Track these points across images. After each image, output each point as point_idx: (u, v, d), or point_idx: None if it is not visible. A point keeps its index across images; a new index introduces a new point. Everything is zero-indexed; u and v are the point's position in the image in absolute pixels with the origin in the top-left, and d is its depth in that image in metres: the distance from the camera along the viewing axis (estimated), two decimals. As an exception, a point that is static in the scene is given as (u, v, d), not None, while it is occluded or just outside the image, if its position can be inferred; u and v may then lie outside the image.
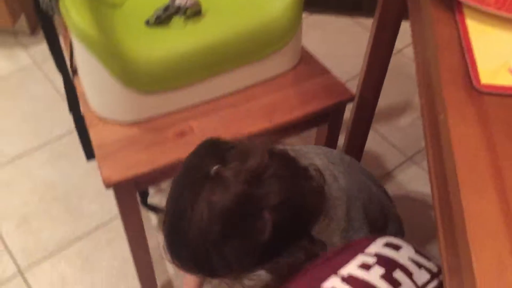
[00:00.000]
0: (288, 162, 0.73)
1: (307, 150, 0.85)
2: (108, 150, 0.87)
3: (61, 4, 0.82)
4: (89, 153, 1.31)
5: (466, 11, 0.63)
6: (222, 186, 0.67)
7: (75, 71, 1.00)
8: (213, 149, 0.74)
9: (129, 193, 0.88)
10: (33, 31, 1.79)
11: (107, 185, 0.83)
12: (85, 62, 0.87)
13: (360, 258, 0.72)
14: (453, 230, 0.48)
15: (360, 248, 0.76)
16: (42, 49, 1.75)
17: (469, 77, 0.56)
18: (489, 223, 0.43)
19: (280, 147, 0.76)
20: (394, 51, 1.09)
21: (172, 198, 0.74)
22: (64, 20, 0.84)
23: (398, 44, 1.78)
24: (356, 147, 1.27)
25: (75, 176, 1.43)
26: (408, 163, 1.49)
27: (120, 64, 0.84)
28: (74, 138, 1.48)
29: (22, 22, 1.73)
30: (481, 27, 0.62)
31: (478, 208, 0.44)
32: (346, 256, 0.74)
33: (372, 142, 1.52)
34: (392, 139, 1.54)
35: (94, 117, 0.92)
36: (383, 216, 0.88)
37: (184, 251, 0.72)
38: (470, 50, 0.59)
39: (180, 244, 0.73)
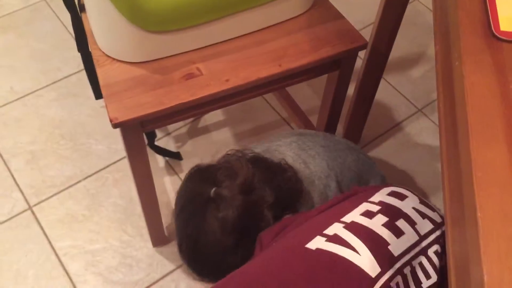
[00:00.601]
0: (266, 164, 0.86)
1: (279, 143, 0.94)
2: (115, 90, 0.86)
3: None
4: (98, 93, 1.30)
5: (490, -46, 0.60)
6: (224, 203, 0.79)
7: (82, 8, 0.98)
8: (204, 175, 0.86)
9: (136, 134, 0.88)
10: (41, -34, 1.74)
11: (114, 124, 0.82)
12: (92, -3, 0.85)
13: (364, 206, 0.73)
14: (459, 180, 0.47)
15: (364, 196, 0.76)
16: (50, -15, 1.71)
17: (488, 23, 0.54)
18: (497, 173, 0.42)
19: (252, 152, 0.89)
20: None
21: (182, 228, 0.86)
22: None
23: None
24: (366, 96, 1.26)
25: (82, 115, 1.43)
26: (418, 115, 1.47)
27: (128, 1, 0.82)
28: (83, 78, 1.47)
29: (30, -44, 1.68)
30: (505, -29, 0.59)
31: (487, 158, 0.43)
32: (350, 203, 0.75)
33: (383, 93, 1.50)
34: (403, 90, 1.52)
35: (101, 56, 0.91)
36: (357, 180, 0.96)
37: (205, 269, 0.86)
38: (491, -5, 0.56)
39: (202, 264, 0.86)
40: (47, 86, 1.49)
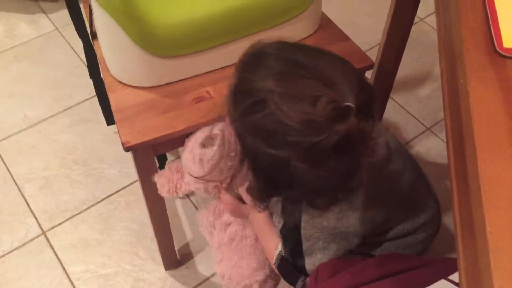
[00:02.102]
0: None
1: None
2: (127, 114, 0.88)
3: None
4: (109, 119, 1.33)
5: (491, -27, 0.61)
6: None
7: (94, 36, 1.01)
8: None
9: (148, 157, 0.90)
10: (54, -2, 1.79)
11: (126, 148, 0.84)
12: (104, 26, 0.87)
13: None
14: (468, 196, 0.48)
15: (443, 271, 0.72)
16: (63, 15, 1.75)
17: (492, 40, 0.54)
18: (505, 188, 0.42)
19: None
20: (416, 20, 1.06)
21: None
22: None
23: (420, 13, 1.74)
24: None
25: (95, 141, 1.45)
26: (427, 134, 1.47)
27: (139, 28, 0.84)
28: (95, 104, 1.50)
29: (44, -13, 1.74)
30: (506, -11, 0.60)
31: (495, 173, 0.44)
32: (425, 275, 0.72)
33: (391, 112, 1.51)
34: (411, 110, 1.53)
35: (113, 82, 0.93)
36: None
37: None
38: (493, 12, 0.57)
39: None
40: (60, 112, 1.52)
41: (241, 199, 0.87)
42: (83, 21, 1.07)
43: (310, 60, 0.61)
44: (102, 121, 1.36)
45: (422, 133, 1.48)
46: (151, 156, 0.90)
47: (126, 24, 0.83)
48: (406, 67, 1.61)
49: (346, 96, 0.57)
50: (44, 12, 1.78)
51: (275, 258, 0.85)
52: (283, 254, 0.84)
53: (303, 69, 0.60)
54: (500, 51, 0.53)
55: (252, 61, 0.65)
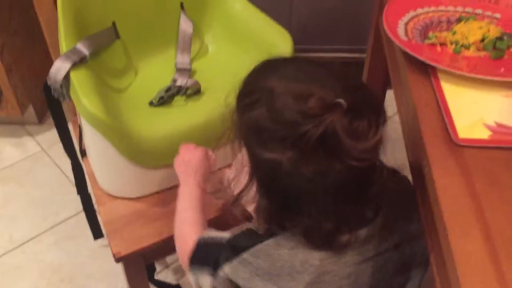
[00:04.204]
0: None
1: None
2: (117, 225, 0.91)
3: (71, 91, 0.89)
4: (97, 233, 1.34)
5: (440, 75, 0.70)
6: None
7: (84, 153, 1.06)
8: None
9: (138, 266, 0.91)
10: (40, 120, 1.87)
11: (117, 259, 0.85)
12: (94, 143, 0.93)
13: None
14: (446, 274, 0.51)
15: None
16: (49, 136, 1.82)
17: (448, 132, 0.61)
18: (476, 261, 0.46)
19: None
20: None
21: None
22: (74, 105, 0.90)
23: (389, 112, 1.85)
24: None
25: (81, 257, 1.44)
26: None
27: (127, 143, 0.90)
28: (81, 220, 1.51)
29: (30, 112, 1.82)
30: (455, 88, 0.68)
31: (466, 249, 0.47)
32: None
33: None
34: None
35: (102, 195, 0.97)
36: None
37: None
38: (446, 109, 0.64)
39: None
40: (46, 231, 1.52)
41: (247, 218, 0.80)
42: (71, 140, 1.12)
43: (309, 66, 0.63)
44: (88, 236, 1.36)
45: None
46: (141, 266, 0.92)
47: (115, 140, 0.89)
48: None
49: (337, 94, 0.57)
50: (30, 135, 1.84)
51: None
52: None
53: (300, 71, 0.62)
54: (457, 142, 0.60)
55: (255, 69, 0.66)
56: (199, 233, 0.76)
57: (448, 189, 0.54)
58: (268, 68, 0.64)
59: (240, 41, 1.06)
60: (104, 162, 0.94)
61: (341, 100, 0.55)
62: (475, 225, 0.50)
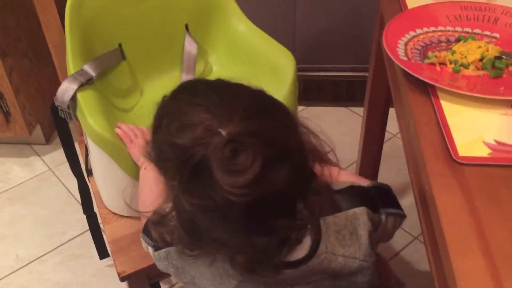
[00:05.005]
0: None
1: None
2: (122, 245, 0.91)
3: (78, 111, 0.91)
4: (102, 253, 1.35)
5: (440, 94, 0.71)
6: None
7: (90, 173, 1.07)
8: None
9: (142, 285, 0.91)
10: (47, 140, 1.90)
11: (122, 278, 0.86)
12: (100, 162, 0.94)
13: None
14: (449, 291, 0.51)
15: None
16: (56, 156, 1.84)
17: (448, 150, 0.62)
18: (477, 278, 0.46)
19: None
20: (390, 136, 1.15)
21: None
22: (81, 126, 0.92)
23: (393, 129, 1.87)
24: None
25: (87, 276, 1.45)
26: (415, 243, 1.50)
27: (132, 162, 0.91)
28: (86, 239, 1.52)
29: (38, 132, 1.84)
30: (455, 106, 0.69)
31: (466, 266, 0.48)
32: None
33: (377, 224, 1.55)
34: (396, 220, 1.57)
35: (108, 214, 0.98)
36: None
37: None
38: (446, 127, 0.65)
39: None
40: (52, 250, 1.53)
41: None
42: (78, 160, 1.14)
43: (217, 92, 0.61)
44: (93, 255, 1.37)
45: (410, 242, 1.51)
46: (146, 285, 0.92)
47: (119, 159, 0.91)
48: (386, 180, 1.68)
49: (223, 124, 0.54)
50: (38, 155, 1.86)
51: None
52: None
53: (205, 97, 0.60)
54: (457, 160, 0.61)
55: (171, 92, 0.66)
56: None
57: (448, 206, 0.55)
58: (179, 91, 0.64)
59: (244, 61, 1.08)
60: (109, 181, 0.96)
61: (220, 130, 0.53)
62: (475, 242, 0.50)
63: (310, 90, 2.02)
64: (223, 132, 0.53)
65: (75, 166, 1.14)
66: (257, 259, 0.60)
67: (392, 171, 1.73)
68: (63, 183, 1.75)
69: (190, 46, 1.10)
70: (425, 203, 0.62)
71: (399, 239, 1.51)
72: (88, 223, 1.28)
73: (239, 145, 0.53)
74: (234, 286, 0.65)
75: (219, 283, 0.66)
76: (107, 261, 1.41)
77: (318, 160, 0.65)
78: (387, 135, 1.72)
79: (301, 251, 0.63)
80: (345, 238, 0.65)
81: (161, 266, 0.74)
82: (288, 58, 1.00)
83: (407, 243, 1.50)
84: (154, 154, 0.63)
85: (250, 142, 0.53)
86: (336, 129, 1.92)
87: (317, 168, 0.65)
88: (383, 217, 0.72)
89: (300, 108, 2.03)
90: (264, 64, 1.03)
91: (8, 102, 1.67)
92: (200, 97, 0.59)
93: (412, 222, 1.55)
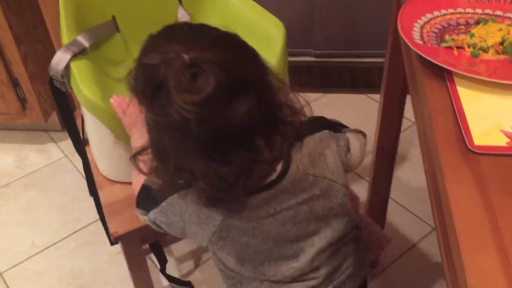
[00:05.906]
0: None
1: None
2: (116, 208, 0.94)
3: (72, 81, 0.92)
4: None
5: (456, 79, 0.67)
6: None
7: (86, 142, 1.08)
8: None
9: (136, 248, 0.94)
10: (63, 127, 1.90)
11: (115, 239, 0.88)
12: (94, 130, 0.96)
13: None
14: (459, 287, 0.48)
15: None
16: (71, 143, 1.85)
17: (463, 139, 0.58)
18: (489, 277, 0.43)
19: None
20: (408, 123, 1.12)
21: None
22: (75, 95, 0.93)
23: (412, 117, 1.82)
24: (377, 218, 1.28)
25: (100, 263, 1.46)
26: (434, 234, 1.46)
27: (122, 126, 0.90)
28: (100, 226, 1.52)
29: (54, 119, 1.85)
30: (472, 93, 0.65)
31: (478, 263, 0.45)
32: None
33: (393, 213, 1.51)
34: (414, 209, 1.53)
35: (102, 180, 1.00)
36: None
37: None
38: (462, 114, 0.62)
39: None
40: (67, 237, 1.54)
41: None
42: (81, 138, 1.13)
43: (192, 29, 0.68)
44: (106, 242, 1.37)
45: (430, 233, 1.47)
46: (139, 247, 0.93)
47: (113, 125, 0.91)
48: (404, 168, 1.65)
49: (188, 51, 0.60)
50: (54, 141, 1.87)
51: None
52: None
53: (180, 33, 0.66)
54: (472, 149, 0.57)
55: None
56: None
57: (461, 199, 0.51)
58: (159, 31, 0.69)
59: (236, 31, 1.07)
60: (103, 148, 0.97)
61: (184, 55, 0.59)
62: (489, 237, 0.47)
63: (328, 76, 1.98)
64: (186, 57, 0.59)
65: (78, 145, 1.13)
66: (218, 187, 0.64)
67: (411, 159, 1.69)
68: (78, 170, 1.76)
69: (183, 18, 1.10)
70: (438, 195, 0.59)
71: (415, 229, 1.47)
72: (96, 206, 1.27)
73: (199, 70, 0.58)
74: (219, 223, 0.70)
75: (204, 223, 0.71)
76: (119, 247, 1.41)
77: (292, 111, 0.69)
78: (407, 123, 1.67)
79: (274, 175, 0.69)
80: (315, 159, 0.72)
81: (155, 225, 0.78)
82: (279, 28, 1.00)
83: (425, 233, 1.46)
84: (132, 82, 0.68)
85: (209, 68, 0.58)
86: (354, 115, 1.88)
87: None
88: (348, 135, 0.79)
89: (318, 94, 1.99)
90: (255, 33, 1.02)
91: (24, 89, 1.67)
92: (176, 33, 0.66)
93: (430, 210, 1.52)
